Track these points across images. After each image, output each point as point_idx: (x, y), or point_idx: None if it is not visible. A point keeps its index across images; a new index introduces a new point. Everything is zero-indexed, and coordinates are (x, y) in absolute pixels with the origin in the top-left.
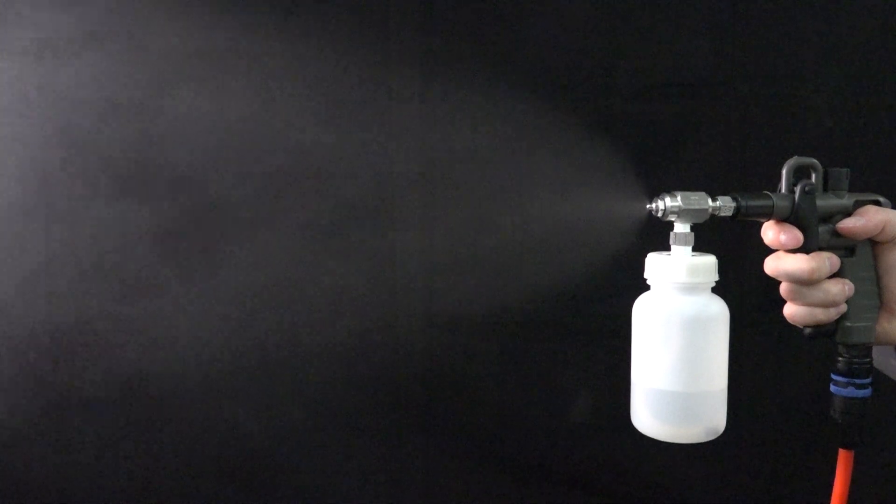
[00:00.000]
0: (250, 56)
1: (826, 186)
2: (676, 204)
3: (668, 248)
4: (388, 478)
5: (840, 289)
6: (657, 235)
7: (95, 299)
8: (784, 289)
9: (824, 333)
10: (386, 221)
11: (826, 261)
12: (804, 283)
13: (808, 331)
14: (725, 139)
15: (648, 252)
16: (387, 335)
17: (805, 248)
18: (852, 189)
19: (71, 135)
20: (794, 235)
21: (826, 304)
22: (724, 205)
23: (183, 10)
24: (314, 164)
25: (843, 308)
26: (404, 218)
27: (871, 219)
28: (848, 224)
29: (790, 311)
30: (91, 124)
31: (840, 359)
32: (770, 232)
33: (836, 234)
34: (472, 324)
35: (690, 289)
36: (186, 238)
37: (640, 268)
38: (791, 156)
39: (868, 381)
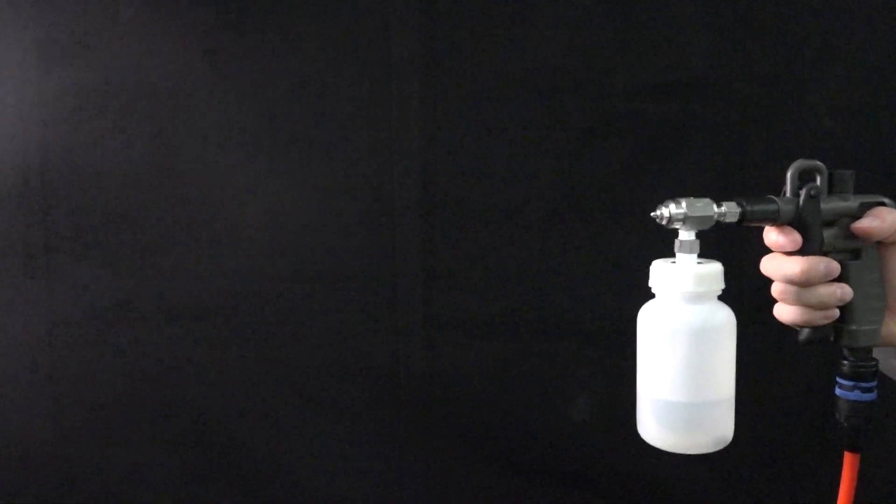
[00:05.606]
0: (250, 55)
1: (831, 189)
2: (682, 211)
3: (671, 253)
4: (388, 478)
5: (831, 292)
6: (659, 234)
7: (95, 297)
8: (775, 288)
9: (818, 339)
10: (386, 221)
11: (821, 264)
12: (796, 284)
13: (803, 335)
14: (725, 139)
15: (650, 250)
16: (387, 335)
17: (804, 251)
18: (854, 191)
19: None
20: (792, 239)
21: (815, 307)
22: (729, 210)
23: (183, 10)
24: (314, 163)
25: (836, 314)
26: (404, 217)
27: (885, 219)
28: (864, 224)
29: (778, 309)
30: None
31: (845, 362)
32: (772, 235)
33: (844, 236)
34: (472, 324)
35: (697, 298)
36: (186, 236)
37: (642, 268)
38: (790, 156)
39: (874, 384)
